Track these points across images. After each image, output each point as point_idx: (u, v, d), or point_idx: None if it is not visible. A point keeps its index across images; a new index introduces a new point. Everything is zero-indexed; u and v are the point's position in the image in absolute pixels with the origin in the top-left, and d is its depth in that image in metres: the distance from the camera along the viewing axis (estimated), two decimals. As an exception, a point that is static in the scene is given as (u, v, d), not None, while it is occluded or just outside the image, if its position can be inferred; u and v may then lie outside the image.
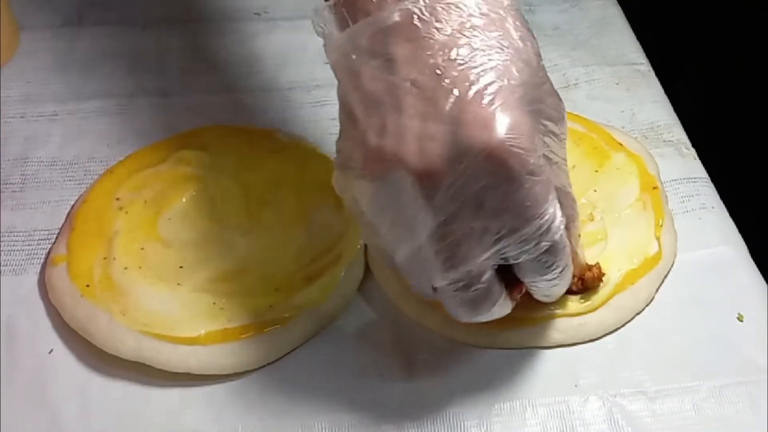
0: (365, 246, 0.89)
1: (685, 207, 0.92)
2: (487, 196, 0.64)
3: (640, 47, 1.15)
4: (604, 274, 0.82)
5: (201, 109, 1.05)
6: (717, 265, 0.88)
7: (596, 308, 0.82)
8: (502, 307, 0.73)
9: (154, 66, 1.12)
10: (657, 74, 1.11)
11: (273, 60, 1.13)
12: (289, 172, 0.95)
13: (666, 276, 0.86)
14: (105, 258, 0.85)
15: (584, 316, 0.81)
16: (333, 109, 1.01)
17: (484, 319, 0.73)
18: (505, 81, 0.64)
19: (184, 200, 0.91)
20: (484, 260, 0.67)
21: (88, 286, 0.83)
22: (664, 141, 1.00)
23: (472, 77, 0.64)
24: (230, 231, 0.89)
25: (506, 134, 0.62)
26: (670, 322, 0.83)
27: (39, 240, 0.90)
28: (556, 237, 0.67)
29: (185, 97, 1.08)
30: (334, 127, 0.97)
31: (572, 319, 0.81)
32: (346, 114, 0.70)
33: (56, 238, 0.90)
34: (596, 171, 0.93)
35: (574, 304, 0.83)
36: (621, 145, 0.96)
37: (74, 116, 1.05)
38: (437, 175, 0.64)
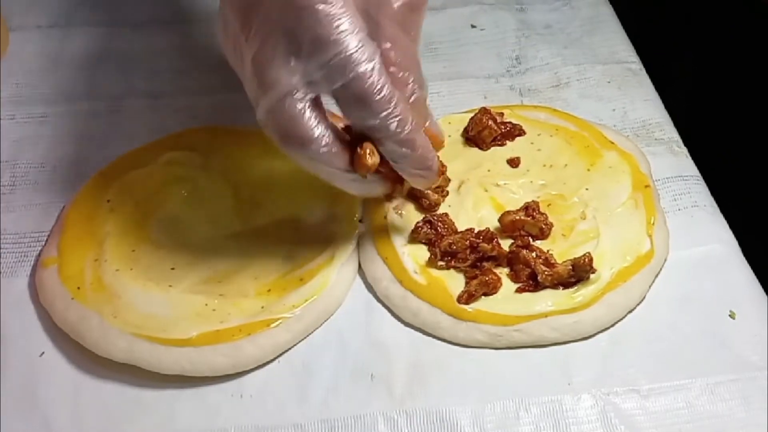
0: (358, 247, 0.89)
1: (677, 205, 0.92)
2: (289, 23, 0.69)
3: (631, 46, 1.15)
4: (595, 270, 0.83)
5: (191, 110, 1.05)
6: (709, 262, 0.88)
7: (588, 305, 0.82)
8: (333, 157, 0.75)
9: (144, 67, 1.12)
10: (648, 73, 1.11)
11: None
12: (280, 172, 0.94)
13: (658, 274, 0.86)
14: (96, 260, 0.85)
15: (577, 313, 0.81)
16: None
17: (317, 168, 0.76)
18: None
19: (175, 201, 0.91)
20: (295, 84, 0.70)
21: (79, 288, 0.83)
22: (655, 139, 1.00)
23: None
24: (222, 232, 0.89)
25: None
26: (662, 319, 0.83)
27: (29, 242, 0.90)
28: (359, 69, 0.69)
29: (175, 98, 1.07)
30: None
31: (565, 317, 0.81)
32: None
33: (47, 240, 0.90)
34: (588, 170, 0.93)
35: (566, 299, 0.83)
36: (613, 143, 0.96)
37: (64, 118, 1.05)
38: (245, 8, 0.71)
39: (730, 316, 0.83)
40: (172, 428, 0.76)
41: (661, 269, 0.86)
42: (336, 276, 0.85)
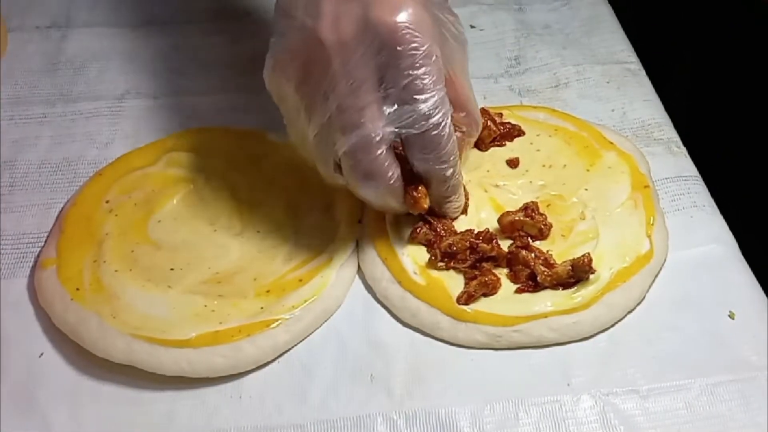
0: (357, 248, 0.89)
1: (676, 205, 0.92)
2: (386, 72, 0.77)
3: (630, 46, 1.15)
4: (594, 271, 0.82)
5: (190, 111, 1.05)
6: (708, 263, 0.87)
7: (588, 305, 0.82)
8: (396, 192, 0.83)
9: (143, 67, 1.12)
10: (647, 73, 1.11)
11: (263, 60, 1.12)
12: (279, 173, 0.95)
13: (657, 274, 0.86)
14: (95, 261, 0.85)
15: (576, 314, 0.81)
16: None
17: (380, 200, 0.84)
18: None
19: (174, 202, 0.91)
20: (379, 127, 0.78)
21: (78, 289, 0.83)
22: (654, 139, 1.00)
23: None
24: (221, 233, 0.89)
25: (408, 19, 0.76)
26: (662, 320, 0.83)
27: (28, 243, 0.90)
28: (437, 121, 0.79)
29: (175, 99, 1.07)
30: None
31: (565, 318, 0.81)
32: (278, 16, 0.83)
33: (45, 241, 0.89)
34: (587, 170, 0.93)
35: (565, 300, 0.83)
36: (612, 143, 0.96)
37: (63, 118, 1.05)
38: (348, 45, 0.76)
39: (729, 316, 0.83)
40: (171, 429, 0.76)
41: (660, 270, 0.86)
42: (335, 277, 0.85)
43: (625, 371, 0.79)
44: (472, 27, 1.17)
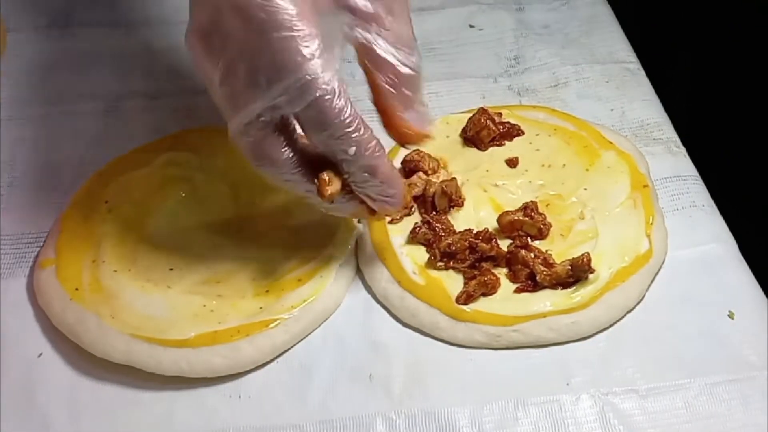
0: (356, 247, 0.89)
1: (675, 205, 0.92)
2: (250, 47, 0.70)
3: (629, 45, 1.15)
4: (594, 270, 0.82)
5: (189, 111, 1.05)
6: (707, 262, 0.87)
7: (587, 305, 0.82)
8: (296, 178, 0.76)
9: (142, 67, 1.12)
10: (646, 73, 1.11)
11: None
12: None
13: (657, 274, 0.86)
14: (94, 261, 0.85)
15: (576, 313, 0.81)
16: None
17: (289, 187, 0.77)
18: None
19: (173, 202, 0.91)
20: (252, 109, 0.72)
21: (77, 289, 0.83)
22: (654, 139, 1.00)
23: None
24: (220, 233, 0.89)
25: None
26: (661, 319, 0.83)
27: (27, 243, 0.90)
28: (322, 89, 0.70)
29: (173, 99, 1.07)
30: None
31: (564, 317, 0.81)
32: None
33: (44, 241, 0.89)
34: (587, 170, 0.93)
35: (564, 299, 0.83)
36: (611, 143, 0.96)
37: (62, 118, 1.05)
38: (209, 33, 0.72)
39: (728, 316, 0.83)
40: (170, 429, 0.76)
41: (659, 269, 0.86)
42: (334, 277, 0.85)
43: (624, 371, 0.79)
44: (471, 27, 1.17)
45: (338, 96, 0.71)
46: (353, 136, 0.73)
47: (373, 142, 0.74)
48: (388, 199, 0.79)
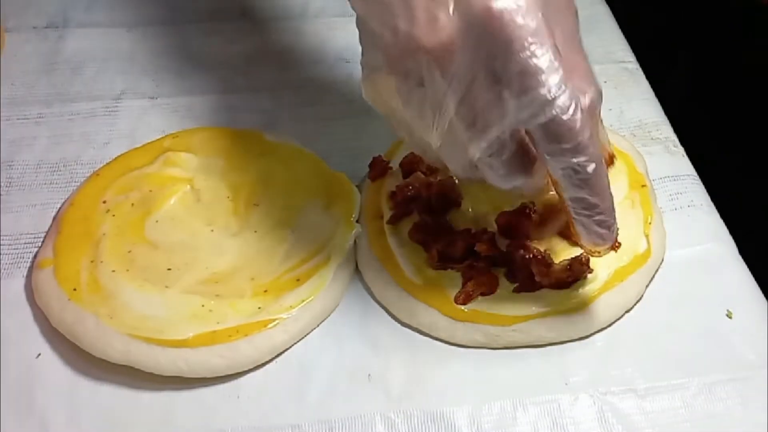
0: (355, 247, 0.89)
1: (673, 204, 0.92)
2: (495, 64, 0.67)
3: (627, 45, 1.15)
4: (592, 270, 0.83)
5: (187, 111, 1.06)
6: (706, 262, 0.88)
7: (585, 305, 0.82)
8: (539, 175, 0.75)
9: (140, 68, 1.12)
10: (644, 72, 1.11)
11: (260, 60, 1.13)
12: (276, 173, 0.94)
13: (655, 273, 0.86)
14: (92, 261, 0.85)
15: (574, 313, 0.81)
16: (320, 109, 1.03)
17: (526, 186, 0.75)
18: None
19: (171, 202, 0.91)
20: (506, 124, 0.70)
21: (75, 289, 0.83)
22: (652, 139, 1.00)
23: None
24: (218, 233, 0.89)
25: (505, 3, 0.66)
26: (659, 319, 0.83)
27: (25, 243, 0.90)
28: (563, 103, 0.68)
29: (171, 99, 1.08)
30: (322, 127, 0.99)
31: (563, 317, 0.81)
32: (365, 33, 0.76)
33: (43, 241, 0.89)
34: (585, 169, 0.92)
35: (562, 299, 0.82)
36: (609, 143, 0.95)
37: (60, 118, 1.04)
38: (449, 48, 0.68)
39: (727, 315, 0.83)
40: (169, 429, 0.76)
41: (658, 269, 0.86)
42: (333, 276, 0.85)
43: (622, 370, 0.79)
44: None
45: (580, 106, 0.69)
46: (591, 150, 0.70)
47: (603, 162, 0.73)
48: (604, 232, 0.75)
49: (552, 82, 0.67)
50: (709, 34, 1.27)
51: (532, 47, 0.67)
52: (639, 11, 1.30)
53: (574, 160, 0.70)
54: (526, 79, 0.67)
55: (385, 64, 0.73)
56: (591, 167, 0.70)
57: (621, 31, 1.18)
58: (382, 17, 0.72)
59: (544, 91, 0.67)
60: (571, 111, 0.68)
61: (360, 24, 0.76)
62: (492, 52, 0.67)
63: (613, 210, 0.74)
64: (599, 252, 0.77)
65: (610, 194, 0.73)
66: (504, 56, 0.67)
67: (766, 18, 1.17)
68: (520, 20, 0.67)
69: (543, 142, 0.70)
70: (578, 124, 0.69)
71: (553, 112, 0.68)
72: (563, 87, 0.68)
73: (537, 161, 0.73)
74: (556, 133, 0.69)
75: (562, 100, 0.68)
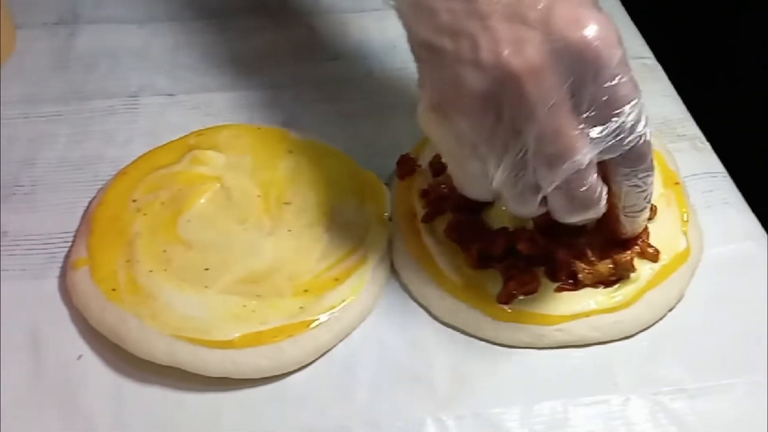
0: (390, 245, 0.88)
1: (706, 202, 0.92)
2: (580, 91, 0.69)
3: (644, 41, 1.15)
4: (636, 269, 0.82)
5: (207, 108, 1.05)
6: (743, 260, 0.88)
7: (629, 304, 0.82)
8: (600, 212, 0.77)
9: (153, 64, 1.11)
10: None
11: (274, 57, 1.12)
12: (305, 170, 0.94)
13: (695, 272, 0.86)
14: (128, 261, 0.84)
15: (618, 312, 0.81)
16: (341, 106, 1.02)
17: (592, 215, 0.76)
18: None
19: (202, 201, 0.90)
20: (588, 153, 0.71)
21: (114, 290, 0.81)
22: (678, 135, 1.00)
23: None
24: (252, 232, 0.88)
25: (598, 30, 0.68)
26: (701, 318, 0.83)
27: (55, 243, 0.89)
28: (641, 131, 0.72)
29: (190, 96, 1.06)
30: (345, 124, 0.99)
31: (606, 317, 0.81)
32: (426, 53, 0.75)
33: (73, 240, 0.88)
34: (617, 166, 0.92)
35: (605, 298, 0.82)
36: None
37: (79, 116, 1.03)
38: (540, 72, 0.68)
39: (772, 314, 0.83)
40: (218, 431, 0.75)
41: (697, 267, 0.86)
42: (371, 275, 0.85)
43: (670, 370, 0.79)
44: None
45: (650, 131, 0.73)
46: (653, 167, 0.76)
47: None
48: (643, 223, 0.83)
49: (634, 112, 0.70)
50: (722, 27, 1.27)
51: (618, 77, 0.69)
52: (649, 6, 1.30)
53: (643, 176, 0.75)
54: (612, 107, 0.70)
55: (455, 85, 0.72)
56: (651, 179, 0.76)
57: (636, 26, 1.17)
58: (458, 41, 0.72)
59: (627, 120, 0.70)
60: (648, 136, 0.73)
61: (418, 44, 0.76)
62: (579, 80, 0.69)
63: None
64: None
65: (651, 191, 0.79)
66: (592, 84, 0.69)
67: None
68: (610, 51, 0.68)
69: (620, 166, 0.74)
70: (648, 148, 0.74)
71: (633, 139, 0.71)
72: (641, 115, 0.71)
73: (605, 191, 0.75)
74: (634, 157, 0.73)
75: (642, 127, 0.72)
